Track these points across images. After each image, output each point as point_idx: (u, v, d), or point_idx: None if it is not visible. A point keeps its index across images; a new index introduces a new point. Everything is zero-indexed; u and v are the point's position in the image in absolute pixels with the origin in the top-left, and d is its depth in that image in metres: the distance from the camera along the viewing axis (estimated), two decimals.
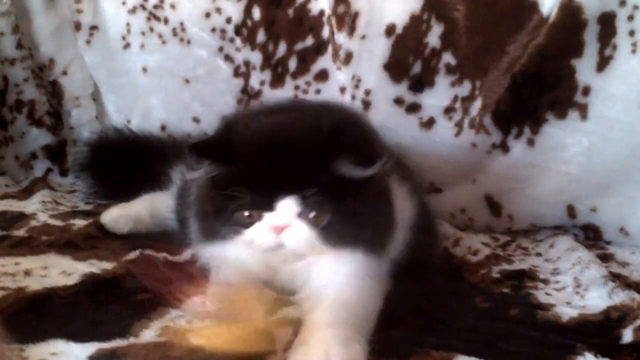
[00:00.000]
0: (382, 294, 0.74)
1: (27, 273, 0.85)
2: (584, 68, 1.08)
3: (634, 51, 1.05)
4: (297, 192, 0.69)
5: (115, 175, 1.26)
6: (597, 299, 0.82)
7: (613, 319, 0.76)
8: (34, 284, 0.80)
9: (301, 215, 0.70)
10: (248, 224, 0.72)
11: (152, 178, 1.13)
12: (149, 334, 0.70)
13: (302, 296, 0.74)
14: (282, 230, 0.71)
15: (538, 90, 1.11)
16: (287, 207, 0.70)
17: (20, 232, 1.03)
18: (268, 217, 0.71)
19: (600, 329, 0.75)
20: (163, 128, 1.43)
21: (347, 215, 0.71)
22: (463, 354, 0.65)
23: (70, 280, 0.83)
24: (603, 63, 1.07)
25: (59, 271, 0.86)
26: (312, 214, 0.70)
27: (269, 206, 0.70)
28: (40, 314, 0.74)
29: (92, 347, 0.66)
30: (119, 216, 1.07)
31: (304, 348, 0.62)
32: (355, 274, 0.72)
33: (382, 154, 0.72)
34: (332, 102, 1.17)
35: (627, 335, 0.71)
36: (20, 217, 1.11)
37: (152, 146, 1.32)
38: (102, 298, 0.80)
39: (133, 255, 0.93)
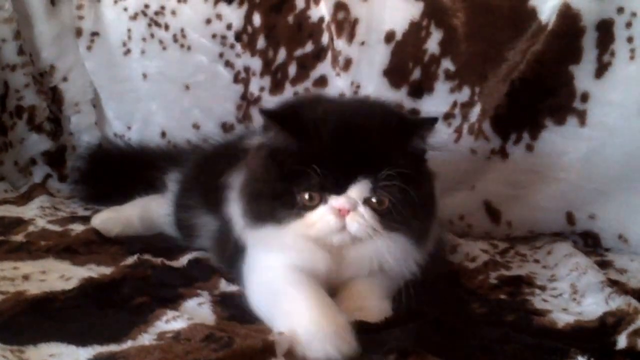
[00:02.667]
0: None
1: (26, 277, 0.85)
2: (583, 74, 1.09)
3: (632, 57, 1.06)
4: (372, 175, 0.70)
5: (111, 181, 1.27)
6: (594, 304, 0.81)
7: (609, 325, 0.75)
8: (33, 288, 0.80)
9: (366, 200, 0.72)
10: (310, 207, 0.72)
11: (146, 184, 1.14)
12: (147, 337, 0.70)
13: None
14: (347, 213, 0.71)
15: (537, 97, 1.12)
16: (360, 191, 0.71)
17: (19, 237, 1.04)
18: (334, 200, 0.71)
19: (595, 334, 0.74)
20: (163, 134, 1.44)
21: (406, 202, 0.73)
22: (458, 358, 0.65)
23: (69, 285, 0.83)
24: (601, 69, 1.08)
25: (58, 275, 0.87)
26: (377, 198, 0.72)
27: (341, 189, 0.71)
28: (39, 317, 0.74)
29: (91, 350, 0.66)
30: (108, 219, 1.09)
31: (345, 297, 0.73)
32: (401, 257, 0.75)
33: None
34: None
35: (622, 341, 0.71)
36: (19, 223, 1.11)
37: (147, 154, 1.33)
38: (100, 302, 0.80)
39: (131, 260, 0.93)
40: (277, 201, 0.73)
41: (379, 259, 0.75)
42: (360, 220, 0.71)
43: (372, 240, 0.74)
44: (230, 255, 0.84)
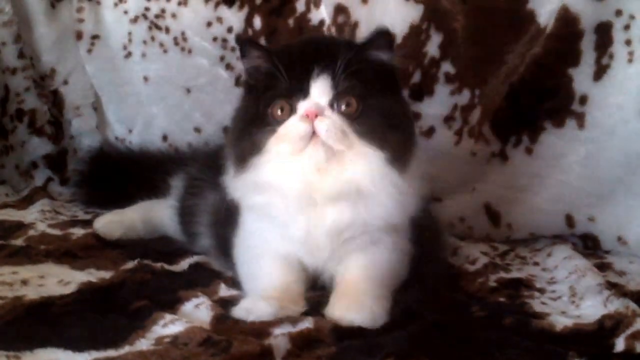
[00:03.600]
0: (407, 259, 0.82)
1: (25, 282, 0.85)
2: (581, 77, 1.09)
3: (630, 60, 1.06)
4: (331, 71, 0.74)
5: (111, 184, 1.27)
6: (592, 307, 0.81)
7: (607, 328, 0.75)
8: (31, 293, 0.80)
9: (333, 105, 0.75)
10: (282, 120, 0.76)
11: (147, 187, 1.14)
12: (144, 342, 0.70)
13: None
14: (315, 117, 0.74)
15: (536, 99, 1.12)
16: (321, 88, 0.74)
17: (19, 242, 1.04)
18: (302, 105, 0.75)
19: (593, 337, 0.74)
20: (164, 138, 1.44)
21: (376, 111, 0.76)
22: None
23: (67, 289, 0.83)
24: (600, 72, 1.08)
25: (56, 280, 0.87)
26: (342, 106, 0.74)
27: (304, 90, 0.75)
28: (37, 322, 0.74)
29: (88, 356, 0.66)
30: (110, 222, 1.09)
31: (339, 297, 0.75)
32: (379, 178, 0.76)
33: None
34: None
35: (619, 344, 0.71)
36: (19, 227, 1.12)
37: (148, 157, 1.34)
38: (98, 307, 0.80)
39: (131, 264, 0.93)
40: (253, 126, 0.78)
41: (359, 182, 0.75)
42: (328, 121, 0.73)
43: (346, 163, 0.75)
44: (224, 231, 0.88)
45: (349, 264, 0.79)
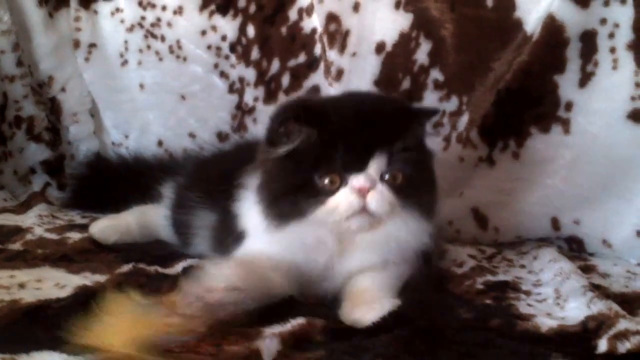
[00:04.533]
0: (400, 282, 0.84)
1: (22, 286, 0.86)
2: (567, 84, 1.11)
3: (614, 67, 1.08)
4: (388, 150, 0.77)
5: (108, 190, 1.29)
6: (576, 309, 0.83)
7: (590, 329, 0.77)
8: (28, 297, 0.82)
9: (382, 177, 0.77)
10: (331, 191, 0.76)
11: (143, 192, 1.16)
12: None
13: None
14: (367, 192, 0.76)
15: (522, 106, 1.14)
16: (378, 166, 0.76)
17: (16, 246, 1.05)
18: (354, 179, 0.76)
19: (577, 339, 0.76)
20: (160, 143, 1.46)
21: (416, 181, 0.80)
22: None
23: (64, 293, 0.84)
24: (585, 79, 1.10)
25: (53, 284, 0.88)
26: (392, 175, 0.77)
27: (361, 165, 0.76)
28: (33, 326, 0.75)
29: (83, 359, 0.66)
30: (106, 227, 1.11)
31: (360, 306, 0.75)
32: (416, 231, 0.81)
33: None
34: None
35: (602, 345, 0.72)
36: (17, 231, 1.13)
37: (144, 163, 1.36)
38: (94, 310, 0.82)
39: (126, 268, 0.95)
40: (298, 194, 0.77)
41: (396, 237, 0.80)
42: (380, 196, 0.76)
43: (387, 224, 0.79)
44: (228, 245, 0.88)
45: (359, 277, 0.82)
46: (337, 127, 0.77)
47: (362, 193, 0.76)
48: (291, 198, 0.78)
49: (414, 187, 0.80)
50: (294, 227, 0.79)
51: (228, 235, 0.88)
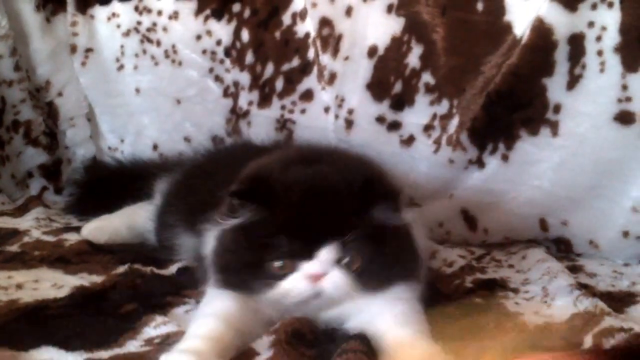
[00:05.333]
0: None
1: (19, 286, 0.88)
2: (555, 87, 1.12)
3: (602, 70, 1.10)
4: (339, 238, 0.70)
5: (105, 193, 1.30)
6: (563, 307, 0.85)
7: (576, 326, 0.79)
8: (26, 297, 0.84)
9: (337, 262, 0.71)
10: (282, 275, 0.71)
11: (139, 196, 1.18)
12: (134, 343, 0.74)
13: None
14: (319, 278, 0.70)
15: (511, 108, 1.15)
16: (329, 254, 0.70)
17: (14, 248, 1.07)
18: (305, 266, 0.70)
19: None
20: (155, 147, 1.47)
21: (378, 259, 0.72)
22: None
23: (61, 293, 0.86)
24: (573, 82, 1.12)
25: (50, 284, 0.90)
26: (345, 261, 0.71)
27: (309, 254, 0.70)
28: (31, 324, 0.77)
29: (79, 357, 0.69)
30: (95, 228, 1.14)
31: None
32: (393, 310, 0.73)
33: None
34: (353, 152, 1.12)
35: (588, 341, 0.74)
36: (14, 234, 1.15)
37: (140, 167, 1.37)
38: (90, 309, 0.84)
39: (122, 269, 0.97)
40: (248, 272, 0.73)
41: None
42: (335, 282, 0.71)
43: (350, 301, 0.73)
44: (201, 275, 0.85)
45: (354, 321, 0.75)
46: (285, 211, 0.71)
47: (315, 279, 0.70)
48: (242, 275, 0.73)
49: (377, 270, 0.72)
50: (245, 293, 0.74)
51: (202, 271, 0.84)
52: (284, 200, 0.71)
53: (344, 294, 0.71)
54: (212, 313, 0.73)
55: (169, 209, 1.06)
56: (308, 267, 0.70)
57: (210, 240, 0.80)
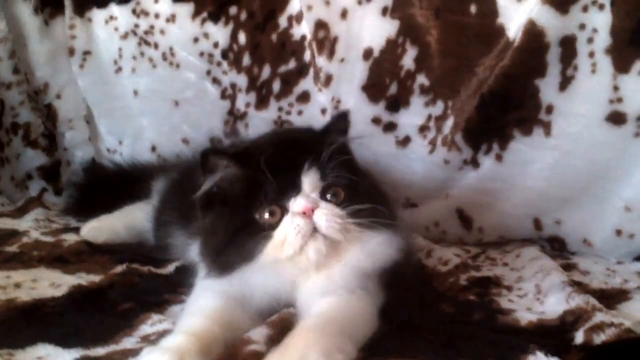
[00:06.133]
0: (375, 304, 0.75)
1: (18, 285, 0.89)
2: (548, 88, 1.14)
3: (593, 71, 1.11)
4: (315, 164, 0.74)
5: (104, 195, 1.31)
6: (555, 304, 0.86)
7: (568, 322, 0.80)
8: (24, 296, 0.85)
9: (322, 196, 0.74)
10: (275, 223, 0.73)
11: (138, 197, 1.20)
12: (131, 340, 0.75)
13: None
14: (311, 213, 0.72)
15: (505, 109, 1.17)
16: (312, 182, 0.74)
17: (13, 248, 1.08)
18: (294, 204, 0.73)
19: (556, 331, 0.79)
20: (153, 148, 1.49)
21: (358, 194, 0.76)
22: (422, 357, 0.69)
23: (59, 292, 0.87)
24: (565, 83, 1.13)
25: (48, 283, 0.91)
26: (330, 196, 0.74)
27: (294, 187, 0.73)
28: (29, 322, 0.78)
29: (75, 354, 0.70)
30: (94, 228, 1.15)
31: (281, 350, 0.64)
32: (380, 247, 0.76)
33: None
34: None
35: (579, 337, 0.75)
36: (13, 234, 1.16)
37: (138, 168, 1.39)
38: (88, 308, 0.84)
39: (120, 268, 0.97)
40: (241, 236, 0.73)
41: (357, 262, 0.75)
42: (327, 212, 0.72)
43: (345, 249, 0.74)
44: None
45: (310, 309, 0.73)
46: (258, 159, 0.73)
47: (307, 214, 0.72)
48: (236, 242, 0.74)
49: (360, 199, 0.75)
50: (244, 274, 0.74)
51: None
52: (255, 154, 0.75)
53: (340, 227, 0.73)
54: (198, 310, 0.74)
55: (165, 208, 1.07)
56: (297, 204, 0.73)
57: (194, 242, 0.83)
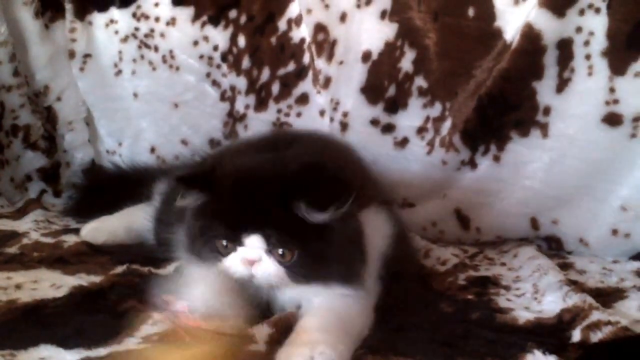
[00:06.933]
0: (371, 305, 0.79)
1: (18, 287, 0.89)
2: (545, 90, 1.15)
3: (590, 74, 1.12)
4: (261, 230, 0.73)
5: (103, 196, 1.31)
6: (553, 302, 0.87)
7: (565, 321, 0.81)
8: (25, 297, 0.85)
9: (270, 252, 0.74)
10: (226, 252, 0.76)
11: (138, 199, 1.20)
12: (133, 340, 0.74)
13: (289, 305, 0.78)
14: (252, 263, 0.75)
15: (502, 111, 1.18)
16: (253, 244, 0.74)
17: (13, 249, 1.08)
18: (240, 249, 0.75)
19: (553, 330, 0.80)
20: (152, 150, 1.49)
21: (314, 255, 0.74)
22: (421, 355, 0.70)
23: (60, 293, 0.87)
24: (562, 85, 1.14)
25: (49, 284, 0.91)
26: (279, 251, 0.73)
27: (239, 241, 0.75)
28: (31, 323, 0.78)
29: (77, 354, 0.70)
30: (94, 229, 1.16)
31: (288, 348, 0.67)
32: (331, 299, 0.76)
33: (342, 197, 0.72)
34: (322, 136, 1.17)
35: (576, 335, 0.76)
36: (13, 236, 1.16)
37: (138, 170, 1.39)
38: (89, 308, 0.84)
39: (120, 269, 0.98)
40: (204, 246, 0.78)
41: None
42: (264, 270, 0.74)
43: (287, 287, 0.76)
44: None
45: (308, 304, 0.77)
46: (221, 198, 0.76)
47: (249, 263, 0.75)
48: (199, 247, 0.79)
49: (310, 263, 0.74)
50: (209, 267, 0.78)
51: None
52: (220, 188, 0.76)
53: (277, 281, 0.75)
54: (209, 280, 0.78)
55: (167, 208, 1.07)
56: (241, 251, 0.75)
57: None
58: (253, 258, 0.75)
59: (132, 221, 1.16)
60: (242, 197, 0.75)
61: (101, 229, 1.15)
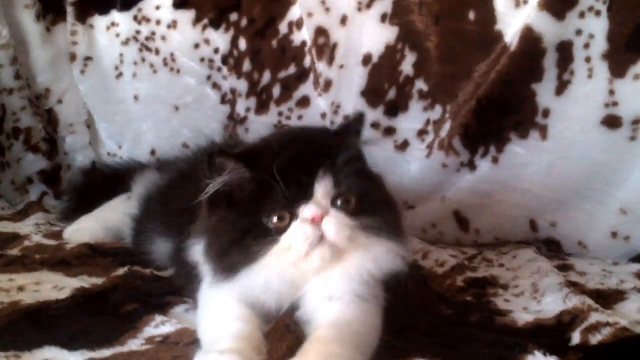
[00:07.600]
0: (381, 314, 0.74)
1: (21, 289, 0.89)
2: (544, 92, 1.16)
3: (590, 76, 1.13)
4: (330, 169, 0.71)
5: (103, 197, 1.31)
6: (552, 303, 0.87)
7: (565, 323, 0.81)
8: (28, 299, 0.85)
9: (334, 203, 0.71)
10: (283, 228, 0.71)
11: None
12: (136, 342, 0.75)
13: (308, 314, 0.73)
14: (320, 221, 0.70)
15: (502, 113, 1.19)
16: (325, 189, 0.71)
17: (15, 252, 1.09)
18: (304, 210, 0.70)
19: (553, 331, 0.80)
20: (153, 153, 1.50)
21: (369, 202, 0.74)
22: (421, 357, 0.70)
23: (62, 295, 0.88)
24: (562, 87, 1.15)
25: (52, 286, 0.91)
26: (339, 202, 0.72)
27: (306, 194, 0.70)
28: (34, 325, 0.78)
29: (81, 356, 0.70)
30: (74, 231, 1.18)
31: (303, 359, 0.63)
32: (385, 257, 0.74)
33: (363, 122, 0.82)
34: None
35: (576, 338, 0.76)
36: (15, 238, 1.17)
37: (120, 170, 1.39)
38: (92, 310, 0.85)
39: (122, 271, 0.98)
40: (248, 238, 0.72)
41: (361, 268, 0.73)
42: (336, 221, 0.70)
43: (351, 255, 0.72)
44: (188, 282, 0.85)
45: (320, 316, 0.72)
46: (270, 162, 0.71)
47: (316, 222, 0.70)
48: (242, 245, 0.72)
49: (371, 208, 0.74)
50: (248, 276, 0.72)
51: (188, 279, 0.84)
52: (267, 156, 0.73)
53: (348, 235, 0.71)
54: (233, 317, 0.72)
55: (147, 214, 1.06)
56: (307, 211, 0.70)
57: (197, 243, 0.80)
58: (321, 212, 0.70)
59: (110, 219, 1.18)
60: (294, 161, 0.72)
61: (82, 230, 1.17)
